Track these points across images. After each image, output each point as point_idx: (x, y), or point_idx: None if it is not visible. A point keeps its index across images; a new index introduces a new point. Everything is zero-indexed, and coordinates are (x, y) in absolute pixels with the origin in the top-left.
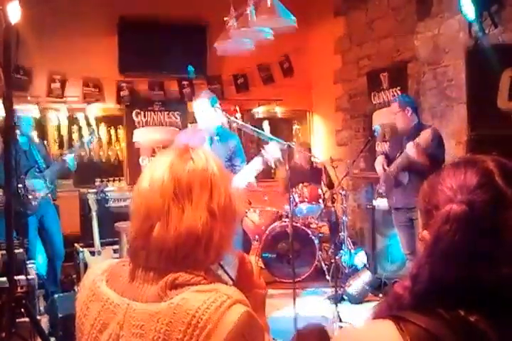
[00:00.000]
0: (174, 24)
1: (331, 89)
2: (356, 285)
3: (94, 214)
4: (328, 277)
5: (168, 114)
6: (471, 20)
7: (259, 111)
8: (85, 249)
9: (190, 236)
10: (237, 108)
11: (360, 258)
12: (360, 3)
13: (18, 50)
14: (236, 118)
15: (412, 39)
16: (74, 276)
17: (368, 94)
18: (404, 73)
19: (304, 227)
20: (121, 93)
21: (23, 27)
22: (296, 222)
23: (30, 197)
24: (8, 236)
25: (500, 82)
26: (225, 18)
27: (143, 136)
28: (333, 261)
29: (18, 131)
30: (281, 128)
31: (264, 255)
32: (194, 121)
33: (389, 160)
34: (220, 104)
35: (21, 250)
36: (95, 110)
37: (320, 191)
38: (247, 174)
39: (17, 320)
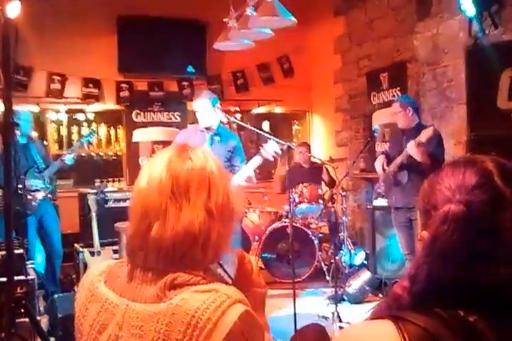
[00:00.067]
0: (174, 24)
1: (331, 89)
2: (356, 285)
3: (93, 214)
4: (328, 277)
5: (167, 114)
6: (470, 17)
7: (259, 112)
8: (85, 249)
9: (188, 235)
10: (237, 108)
11: (360, 259)
12: (360, 3)
13: (17, 48)
14: (236, 118)
15: (411, 39)
16: (74, 276)
17: (367, 94)
18: (404, 73)
19: (303, 227)
20: (121, 93)
21: (22, 26)
22: (296, 222)
23: (29, 197)
24: (7, 236)
25: (500, 82)
26: (225, 19)
27: (143, 136)
28: (333, 261)
29: (18, 132)
30: (281, 128)
31: (263, 255)
32: (194, 121)
33: (389, 160)
34: (220, 104)
35: (21, 250)
36: (95, 110)
37: (320, 191)
38: (245, 171)
39: (17, 320)
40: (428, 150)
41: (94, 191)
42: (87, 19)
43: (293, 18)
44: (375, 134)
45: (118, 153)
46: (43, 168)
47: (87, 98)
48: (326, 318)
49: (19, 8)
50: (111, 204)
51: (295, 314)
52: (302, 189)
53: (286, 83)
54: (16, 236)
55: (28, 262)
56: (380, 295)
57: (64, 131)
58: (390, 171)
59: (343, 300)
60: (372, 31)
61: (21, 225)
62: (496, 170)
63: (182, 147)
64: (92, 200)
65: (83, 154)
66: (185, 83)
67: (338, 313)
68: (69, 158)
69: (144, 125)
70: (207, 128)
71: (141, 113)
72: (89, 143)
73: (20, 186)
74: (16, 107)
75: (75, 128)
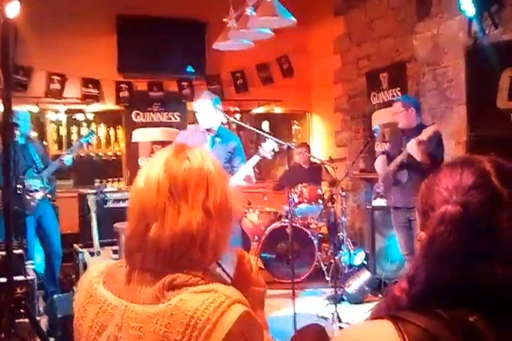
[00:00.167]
0: (173, 24)
1: (331, 89)
2: (356, 285)
3: (93, 214)
4: (327, 277)
5: (167, 115)
6: (470, 17)
7: (259, 112)
8: (84, 250)
9: (186, 235)
10: (237, 108)
11: (360, 259)
12: (360, 3)
13: (16, 48)
14: (235, 118)
15: (411, 39)
16: (73, 277)
17: (367, 94)
18: (404, 74)
19: (303, 228)
20: (121, 93)
21: (22, 26)
22: (296, 223)
23: (28, 197)
24: (7, 236)
25: (499, 82)
26: (224, 19)
27: (142, 137)
28: (332, 261)
29: (17, 132)
30: (280, 128)
31: (263, 255)
32: (193, 121)
33: (389, 160)
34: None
35: (20, 251)
36: (94, 110)
37: (319, 191)
38: (244, 170)
39: (16, 321)
40: (428, 149)
41: (94, 191)
42: (87, 19)
43: (292, 18)
44: (375, 134)
45: (117, 154)
46: (41, 168)
47: (86, 98)
48: (325, 318)
49: (18, 8)
50: (110, 204)
51: (294, 314)
52: (302, 189)
53: (285, 83)
54: (16, 237)
55: (27, 262)
56: (380, 295)
57: (63, 132)
58: (389, 170)
59: (343, 300)
60: (372, 31)
61: (20, 225)
62: (494, 171)
63: (180, 147)
64: (91, 200)
65: (83, 154)
66: (184, 83)
67: (337, 313)
68: (68, 159)
69: (144, 125)
70: (208, 130)
71: (141, 113)
72: (89, 143)
73: (19, 186)
74: (14, 107)
75: (74, 129)
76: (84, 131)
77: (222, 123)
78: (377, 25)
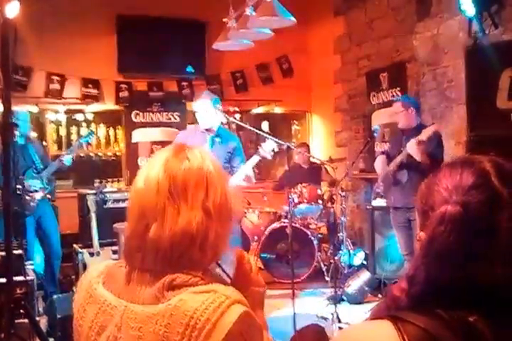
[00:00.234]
0: (173, 24)
1: (331, 89)
2: (355, 285)
3: (93, 214)
4: (327, 277)
5: (167, 115)
6: (470, 17)
7: (259, 112)
8: (84, 250)
9: (186, 235)
10: (237, 108)
11: (359, 259)
12: (360, 3)
13: (16, 48)
14: (235, 118)
15: (411, 39)
16: (73, 277)
17: (367, 94)
18: (404, 74)
19: (303, 228)
20: (120, 93)
21: (21, 26)
22: (295, 223)
23: (27, 197)
24: (6, 237)
25: (499, 82)
26: (224, 19)
27: (142, 137)
28: (332, 261)
29: (17, 132)
30: (280, 128)
31: (263, 255)
32: (193, 121)
33: (389, 160)
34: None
35: (20, 251)
36: (94, 111)
37: (319, 191)
38: (243, 170)
39: (16, 321)
40: (427, 149)
41: (94, 191)
42: (87, 19)
43: (292, 18)
44: (375, 134)
45: (117, 154)
46: (41, 168)
47: (86, 98)
48: (325, 319)
49: (18, 8)
50: (110, 204)
51: (294, 314)
52: (301, 189)
53: (285, 83)
54: (15, 237)
55: (27, 263)
56: (380, 295)
57: (63, 132)
58: (389, 170)
59: (343, 300)
60: (372, 31)
61: (20, 226)
62: (494, 171)
63: (179, 147)
64: (91, 201)
65: (82, 154)
66: (184, 83)
67: (337, 314)
68: (67, 159)
69: (143, 125)
70: (207, 130)
71: (141, 113)
72: (88, 143)
73: (19, 186)
74: (14, 107)
75: (74, 129)
76: (84, 131)
77: (221, 123)
78: (377, 25)
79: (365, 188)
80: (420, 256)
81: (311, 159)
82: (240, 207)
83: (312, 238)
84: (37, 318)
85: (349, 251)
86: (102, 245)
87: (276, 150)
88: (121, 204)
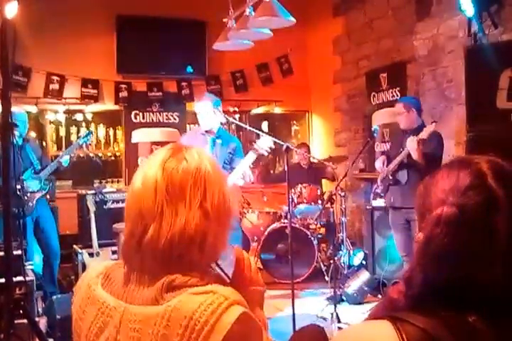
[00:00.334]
0: (173, 24)
1: (330, 89)
2: (355, 285)
3: (92, 215)
4: (326, 278)
5: (166, 115)
6: (470, 17)
7: (258, 112)
8: (84, 250)
9: (184, 236)
10: (236, 109)
11: (359, 259)
12: (360, 4)
13: (15, 48)
14: (235, 118)
15: (411, 39)
16: (72, 277)
17: (367, 94)
18: (404, 74)
19: (302, 228)
20: (120, 94)
21: (20, 27)
22: (295, 223)
23: (25, 198)
24: (6, 237)
25: (499, 82)
26: (224, 20)
27: (141, 137)
28: (331, 261)
29: (16, 133)
30: (280, 128)
31: (262, 256)
32: (192, 121)
33: (389, 160)
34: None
35: (19, 251)
36: (94, 111)
37: (319, 192)
38: (240, 168)
39: (15, 322)
40: (426, 149)
41: (93, 192)
42: (86, 19)
43: (292, 18)
44: (375, 134)
45: (117, 154)
46: (39, 169)
47: (85, 98)
48: (324, 319)
49: (17, 9)
50: (110, 205)
51: (294, 315)
52: (301, 189)
53: (285, 83)
54: (15, 238)
55: (26, 263)
56: (379, 295)
57: (63, 132)
58: (389, 170)
59: (342, 300)
60: (372, 31)
61: (19, 226)
62: (490, 172)
63: (177, 147)
64: (90, 201)
65: (82, 155)
66: (184, 83)
67: (337, 314)
68: (65, 160)
69: (143, 125)
70: (207, 131)
71: (140, 113)
72: (87, 143)
73: (18, 187)
74: (12, 108)
75: (73, 129)
76: (83, 131)
77: (221, 123)
78: (376, 25)
79: (364, 188)
80: (417, 257)
81: (311, 159)
82: (237, 206)
83: (312, 238)
84: (36, 319)
85: (349, 251)
86: (101, 245)
87: (272, 146)
88: (120, 205)
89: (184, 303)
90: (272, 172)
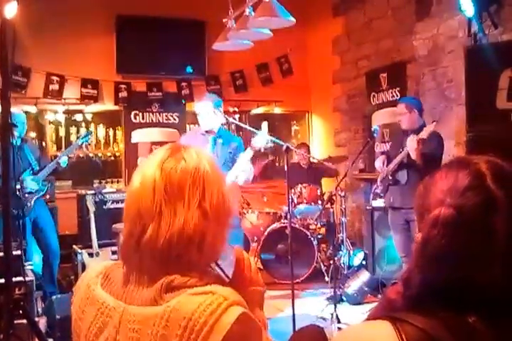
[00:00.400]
0: (173, 24)
1: (330, 89)
2: (355, 286)
3: (92, 215)
4: (327, 278)
5: (166, 115)
6: (470, 17)
7: (258, 112)
8: (83, 251)
9: (183, 236)
10: (236, 109)
11: (359, 259)
12: (359, 4)
13: (15, 48)
14: (234, 119)
15: (411, 39)
16: (72, 278)
17: (367, 94)
18: (404, 74)
19: (302, 228)
20: (120, 94)
21: (20, 27)
22: (295, 223)
23: (23, 198)
24: (5, 237)
25: (499, 82)
26: (224, 20)
27: (141, 137)
28: (331, 262)
29: (16, 133)
30: (280, 128)
31: (262, 256)
32: (192, 121)
33: (389, 160)
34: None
35: (19, 252)
36: (93, 111)
37: (319, 192)
38: (238, 165)
39: (15, 322)
40: (425, 149)
41: (93, 192)
42: (86, 19)
43: (292, 18)
44: (374, 135)
45: (116, 154)
46: (37, 169)
47: (85, 99)
48: (324, 319)
49: (16, 9)
50: (109, 205)
51: (294, 315)
52: (301, 189)
53: (285, 83)
54: (14, 238)
55: (26, 263)
56: (379, 296)
57: (62, 132)
58: (388, 170)
59: (342, 300)
60: (371, 31)
61: (18, 226)
62: (489, 172)
63: (176, 147)
64: (90, 201)
65: (81, 155)
66: (183, 84)
67: (337, 314)
68: (63, 160)
69: (143, 126)
70: (207, 131)
71: (140, 114)
72: (86, 144)
73: (18, 187)
74: (11, 109)
75: (73, 129)
76: (83, 131)
77: (222, 124)
78: (376, 25)
79: (364, 188)
80: (415, 258)
81: (311, 159)
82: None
83: (312, 238)
84: (36, 319)
85: (349, 251)
86: (101, 246)
87: (269, 143)
88: (120, 205)
89: (183, 304)
90: (272, 166)
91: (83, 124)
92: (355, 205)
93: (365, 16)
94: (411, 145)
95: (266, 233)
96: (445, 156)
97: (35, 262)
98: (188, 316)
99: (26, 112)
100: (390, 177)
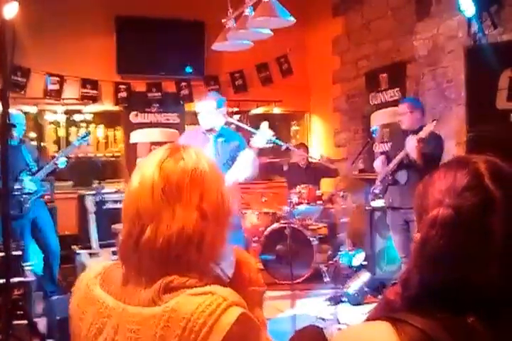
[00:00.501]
0: (172, 24)
1: (330, 89)
2: (355, 286)
3: (92, 215)
4: (327, 278)
5: (165, 115)
6: (470, 17)
7: (258, 112)
8: (83, 251)
9: (182, 236)
10: (236, 109)
11: (359, 260)
12: (359, 4)
13: (14, 49)
14: (238, 119)
15: (410, 39)
16: (72, 278)
17: (366, 94)
18: (403, 74)
19: (302, 229)
20: (119, 94)
21: (20, 27)
22: (295, 224)
23: (21, 199)
24: (5, 238)
25: (499, 82)
26: (223, 20)
27: (141, 137)
28: (332, 262)
29: (15, 133)
30: (279, 129)
31: (262, 256)
32: (192, 122)
33: (389, 160)
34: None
35: (18, 252)
36: (93, 111)
37: (318, 192)
38: (238, 165)
39: (14, 322)
40: (424, 149)
41: (93, 192)
42: (85, 20)
43: (291, 18)
44: (374, 135)
45: (116, 154)
46: (35, 169)
47: (85, 99)
48: (324, 320)
49: (16, 9)
50: (109, 205)
51: (294, 315)
52: (301, 190)
53: (284, 83)
54: (13, 238)
55: (25, 264)
56: (380, 296)
57: (62, 132)
58: (388, 170)
59: (342, 301)
60: (371, 31)
61: (18, 227)
62: (488, 172)
63: (175, 147)
64: (90, 201)
65: (81, 155)
66: (183, 84)
67: (337, 315)
68: (61, 161)
69: (142, 126)
70: (208, 130)
71: (139, 114)
72: (84, 144)
73: (17, 187)
74: (10, 109)
75: (73, 129)
76: (82, 131)
77: (224, 123)
78: (376, 25)
79: (364, 189)
80: (413, 259)
81: (309, 159)
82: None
83: (312, 239)
84: (36, 319)
85: (349, 251)
86: (101, 246)
87: (269, 144)
88: (120, 205)
89: (182, 304)
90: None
91: (83, 124)
92: (355, 205)
93: (364, 16)
94: (410, 144)
95: (266, 233)
96: (445, 156)
97: (35, 262)
98: (187, 317)
99: (26, 113)
100: (390, 177)
